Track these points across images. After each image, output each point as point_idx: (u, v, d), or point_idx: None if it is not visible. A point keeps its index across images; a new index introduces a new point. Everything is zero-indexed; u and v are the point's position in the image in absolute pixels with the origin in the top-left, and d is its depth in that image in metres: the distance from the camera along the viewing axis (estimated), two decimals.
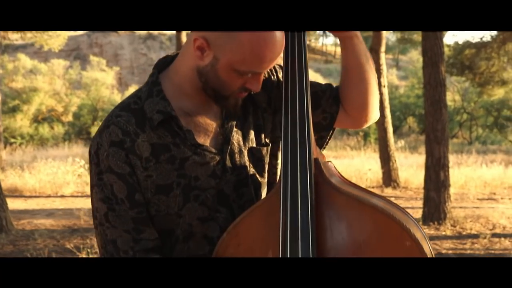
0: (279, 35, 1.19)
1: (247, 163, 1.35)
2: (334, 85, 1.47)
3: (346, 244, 1.17)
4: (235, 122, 1.34)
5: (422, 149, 13.27)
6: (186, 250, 1.31)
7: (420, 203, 8.37)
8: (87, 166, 12.69)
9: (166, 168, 1.26)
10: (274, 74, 1.42)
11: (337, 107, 1.42)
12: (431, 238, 6.52)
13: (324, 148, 1.45)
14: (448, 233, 7.02)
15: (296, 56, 1.29)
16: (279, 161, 1.40)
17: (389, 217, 1.14)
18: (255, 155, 1.37)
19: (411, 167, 13.55)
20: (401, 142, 19.18)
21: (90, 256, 5.65)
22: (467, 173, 12.89)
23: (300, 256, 1.15)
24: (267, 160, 1.40)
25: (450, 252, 5.95)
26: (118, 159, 1.23)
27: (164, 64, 1.35)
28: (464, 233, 7.06)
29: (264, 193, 1.39)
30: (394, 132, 25.84)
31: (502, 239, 6.74)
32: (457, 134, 27.76)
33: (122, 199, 1.24)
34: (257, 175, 1.37)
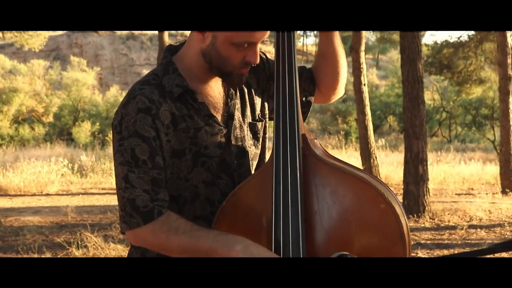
0: None
1: (246, 136, 1.55)
2: None
3: (330, 208, 1.35)
4: (237, 101, 1.54)
5: (402, 147, 13.58)
6: (192, 211, 1.48)
7: (400, 198, 8.61)
8: (70, 165, 12.76)
9: (182, 136, 1.44)
10: (264, 57, 1.62)
11: (313, 86, 1.63)
12: (411, 229, 6.73)
13: (304, 120, 1.62)
14: (427, 225, 7.26)
15: (286, 46, 1.47)
16: (267, 136, 1.63)
17: (366, 184, 1.32)
18: (252, 129, 1.58)
19: (391, 164, 13.86)
20: (382, 141, 19.44)
21: (80, 250, 5.78)
22: (446, 169, 13.23)
23: (290, 219, 1.33)
24: (261, 133, 1.61)
25: (428, 242, 6.18)
26: (145, 123, 1.39)
27: (175, 49, 1.53)
28: (442, 225, 7.30)
29: (255, 163, 1.58)
30: (375, 131, 26.07)
31: (478, 230, 7.00)
32: (436, 132, 28.13)
33: (144, 160, 1.39)
34: (253, 147, 1.58)
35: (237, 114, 1.54)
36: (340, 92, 1.65)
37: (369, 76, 34.10)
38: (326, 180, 1.36)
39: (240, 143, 1.53)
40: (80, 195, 10.47)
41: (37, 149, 18.44)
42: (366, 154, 11.98)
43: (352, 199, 1.34)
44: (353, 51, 11.96)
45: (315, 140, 1.48)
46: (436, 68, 21.35)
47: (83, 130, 22.10)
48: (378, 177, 11.95)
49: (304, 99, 1.62)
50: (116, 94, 28.50)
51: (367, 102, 11.96)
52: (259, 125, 1.60)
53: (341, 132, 23.97)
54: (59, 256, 5.67)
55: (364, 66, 11.94)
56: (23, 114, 24.38)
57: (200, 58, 1.45)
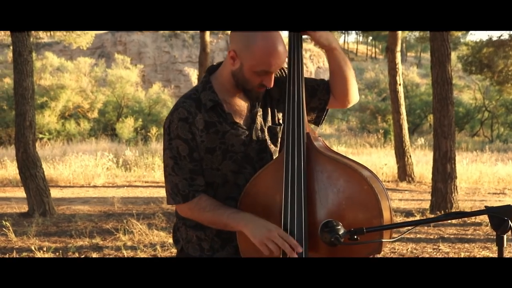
0: (281, 48, 1.86)
1: (267, 137, 2.04)
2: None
3: (326, 188, 1.80)
4: (259, 109, 2.02)
5: None
6: (224, 193, 1.99)
7: (428, 196, 8.88)
8: (115, 159, 13.45)
9: (213, 137, 1.94)
10: (283, 74, 2.09)
11: (328, 95, 2.09)
12: (437, 225, 7.04)
13: (321, 123, 2.14)
14: (454, 221, 7.53)
15: (296, 65, 1.92)
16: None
17: (353, 170, 1.77)
18: (271, 132, 2.06)
19: (427, 163, 13.99)
20: (421, 140, 19.44)
21: (127, 235, 6.32)
22: (482, 169, 13.27)
23: (296, 197, 1.77)
24: (280, 135, 2.07)
25: (452, 236, 6.49)
26: (184, 129, 1.91)
27: (213, 69, 2.04)
28: (468, 221, 7.56)
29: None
30: (415, 130, 26.07)
31: None
32: (478, 132, 27.89)
33: (185, 156, 1.92)
34: (272, 145, 2.06)
35: (259, 119, 2.02)
36: (353, 98, 2.10)
37: (409, 74, 33.90)
38: (323, 168, 1.81)
39: (260, 142, 2.01)
40: (125, 188, 11.10)
41: (83, 144, 19.21)
42: (401, 153, 12.26)
43: (343, 182, 1.79)
44: (388, 51, 12.26)
45: (319, 137, 1.92)
46: (476, 67, 21.29)
47: (126, 126, 22.72)
48: (413, 175, 12.25)
49: (320, 106, 2.09)
50: (159, 91, 29.06)
51: (402, 101, 12.21)
52: (278, 128, 2.07)
53: (380, 130, 24.07)
54: (107, 241, 6.23)
55: (399, 66, 12.23)
56: (69, 110, 25.06)
57: (231, 77, 1.95)
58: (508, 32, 18.98)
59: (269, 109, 2.05)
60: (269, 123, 2.05)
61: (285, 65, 1.99)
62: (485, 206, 1.56)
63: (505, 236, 1.53)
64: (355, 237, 1.58)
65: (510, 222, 1.51)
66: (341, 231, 1.58)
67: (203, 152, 1.94)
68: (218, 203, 1.93)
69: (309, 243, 1.77)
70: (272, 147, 2.05)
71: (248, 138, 1.98)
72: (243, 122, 2.00)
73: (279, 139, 2.07)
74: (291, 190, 1.79)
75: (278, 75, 2.07)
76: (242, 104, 2.01)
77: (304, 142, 1.84)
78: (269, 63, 1.85)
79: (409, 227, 1.64)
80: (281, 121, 2.08)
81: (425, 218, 1.60)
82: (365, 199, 1.73)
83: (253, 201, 1.90)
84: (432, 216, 7.77)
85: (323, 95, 2.08)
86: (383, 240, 1.68)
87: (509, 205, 1.54)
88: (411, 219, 7.57)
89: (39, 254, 5.44)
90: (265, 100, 2.05)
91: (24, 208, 8.27)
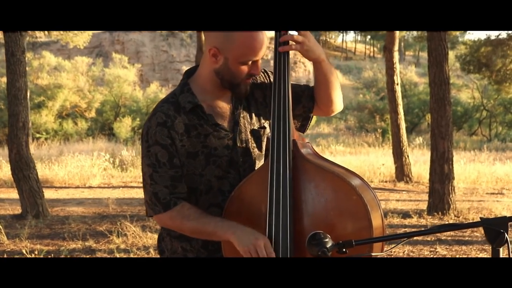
0: (260, 33, 1.80)
1: (250, 140, 1.94)
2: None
3: (314, 198, 1.71)
4: (242, 110, 1.93)
5: None
6: (207, 200, 1.89)
7: (426, 196, 8.80)
8: (111, 160, 13.37)
9: (194, 141, 1.84)
10: (267, 78, 2.00)
11: (313, 103, 2.00)
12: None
13: (306, 130, 2.04)
14: (451, 223, 7.46)
15: (282, 69, 1.84)
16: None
17: (342, 179, 1.68)
18: (255, 135, 1.96)
19: (426, 163, 13.89)
20: (419, 139, 19.36)
21: (120, 237, 6.25)
22: (480, 168, 13.21)
23: (281, 207, 1.69)
24: (263, 138, 1.98)
25: (449, 238, 6.41)
26: (163, 134, 1.81)
27: (191, 72, 1.95)
28: (466, 223, 7.48)
29: (261, 163, 1.96)
30: (413, 129, 25.98)
31: None
32: (476, 131, 27.82)
33: (164, 162, 1.82)
34: (256, 149, 1.96)
35: (243, 121, 1.93)
36: (337, 107, 2.02)
37: (408, 73, 33.79)
38: (311, 177, 1.73)
39: (244, 145, 1.92)
40: (121, 188, 11.02)
41: (80, 144, 19.14)
42: (398, 153, 12.19)
43: (330, 191, 1.70)
44: (386, 50, 12.18)
45: (308, 143, 1.83)
46: (474, 66, 21.22)
47: (124, 126, 22.64)
48: (410, 175, 12.18)
49: (304, 114, 2.00)
50: (156, 90, 28.97)
51: (399, 101, 12.15)
52: (262, 131, 1.97)
53: (378, 130, 24.00)
54: (101, 243, 6.15)
55: (397, 65, 12.15)
56: (67, 109, 24.98)
57: (213, 76, 1.86)
58: (506, 31, 18.92)
59: (252, 112, 1.97)
60: (253, 126, 1.96)
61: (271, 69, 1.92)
62: (480, 218, 1.48)
63: (501, 250, 1.45)
64: (344, 250, 1.50)
65: (506, 235, 1.43)
66: (329, 244, 1.49)
67: (184, 157, 1.84)
68: (201, 211, 1.83)
69: (295, 255, 1.70)
70: (256, 151, 1.95)
71: (232, 141, 1.90)
72: (226, 124, 1.91)
73: (263, 143, 1.98)
74: (276, 200, 1.71)
75: (262, 78, 2.00)
76: (224, 106, 1.92)
77: (290, 150, 1.75)
78: (254, 48, 1.79)
79: (400, 240, 1.56)
80: (265, 125, 1.99)
81: (418, 230, 1.52)
82: (354, 209, 1.65)
83: (239, 209, 1.81)
84: (429, 217, 7.70)
85: (307, 102, 2.00)
86: (372, 254, 1.60)
87: (505, 216, 1.46)
88: (408, 220, 7.50)
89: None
90: (249, 102, 1.96)
91: (18, 210, 8.18)
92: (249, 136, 1.94)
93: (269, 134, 1.87)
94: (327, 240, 1.51)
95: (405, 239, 1.56)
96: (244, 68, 1.82)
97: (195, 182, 1.88)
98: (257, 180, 1.80)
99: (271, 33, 1.90)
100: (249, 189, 1.81)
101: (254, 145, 1.95)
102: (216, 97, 1.91)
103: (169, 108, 1.85)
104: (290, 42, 1.83)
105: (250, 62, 1.82)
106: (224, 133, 1.88)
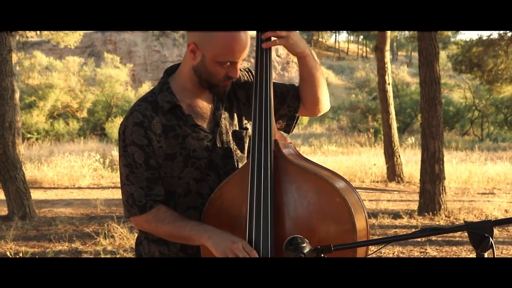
0: (243, 35, 1.71)
1: (231, 141, 1.87)
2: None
3: (296, 201, 1.65)
4: (223, 110, 1.86)
5: None
6: (185, 203, 1.82)
7: (417, 197, 8.77)
8: (102, 160, 13.26)
9: (172, 142, 1.77)
10: (250, 77, 1.93)
11: (298, 103, 1.93)
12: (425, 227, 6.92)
13: (292, 131, 1.98)
14: (442, 223, 7.43)
15: (264, 67, 1.77)
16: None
17: (325, 181, 1.62)
18: (237, 136, 1.89)
19: (417, 163, 13.87)
20: (412, 139, 19.36)
21: (107, 239, 6.16)
22: (471, 168, 13.21)
23: (262, 209, 1.63)
24: (246, 140, 1.91)
25: (439, 239, 6.37)
26: (139, 134, 1.75)
27: (172, 70, 1.88)
28: (457, 223, 7.46)
29: (241, 164, 1.88)
30: (405, 129, 25.99)
31: None
32: (468, 131, 27.87)
33: (140, 163, 1.75)
34: (238, 151, 1.89)
35: (224, 122, 1.86)
36: (324, 107, 1.95)
37: (400, 73, 33.89)
38: (292, 178, 1.67)
39: (225, 146, 1.85)
40: (110, 189, 10.92)
41: (71, 144, 19.03)
42: (390, 153, 12.16)
43: (313, 194, 1.64)
44: (377, 50, 12.15)
45: (290, 144, 1.77)
46: (466, 66, 21.24)
47: (116, 126, 22.47)
48: (402, 175, 12.16)
49: (289, 113, 1.93)
50: (148, 90, 28.91)
51: (391, 101, 12.12)
52: (244, 132, 1.91)
53: (371, 129, 23.99)
54: (87, 245, 6.07)
55: (388, 65, 12.11)
56: (58, 109, 24.85)
57: (192, 74, 1.79)
58: (497, 31, 18.94)
59: (235, 112, 1.90)
60: (235, 127, 1.89)
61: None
62: (464, 221, 1.43)
63: (485, 255, 1.39)
64: (322, 255, 1.44)
65: (491, 239, 1.38)
66: (306, 249, 1.43)
67: (161, 159, 1.78)
68: (178, 214, 1.76)
69: (276, 257, 1.63)
70: (238, 153, 1.89)
71: (212, 143, 1.83)
72: (206, 125, 1.84)
73: (246, 145, 1.91)
74: (257, 202, 1.64)
75: (246, 77, 1.93)
76: (204, 106, 1.85)
77: (272, 150, 1.68)
78: (233, 50, 1.70)
79: (382, 245, 1.51)
80: (248, 126, 1.92)
81: (399, 235, 1.47)
82: (337, 212, 1.59)
83: (218, 212, 1.75)
84: (420, 218, 7.67)
85: (293, 102, 1.93)
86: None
87: (489, 220, 1.40)
88: (398, 221, 7.46)
89: None
90: (231, 102, 1.89)
91: (4, 211, 8.07)
92: (231, 138, 1.88)
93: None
94: (304, 245, 1.45)
95: (385, 244, 1.50)
96: (221, 69, 1.74)
97: (173, 185, 1.81)
98: (237, 181, 1.74)
99: (254, 33, 1.84)
100: (229, 191, 1.75)
101: (236, 147, 1.89)
102: (196, 96, 1.84)
103: (147, 107, 1.79)
104: (273, 38, 1.77)
105: (228, 64, 1.74)
106: (203, 134, 1.82)
